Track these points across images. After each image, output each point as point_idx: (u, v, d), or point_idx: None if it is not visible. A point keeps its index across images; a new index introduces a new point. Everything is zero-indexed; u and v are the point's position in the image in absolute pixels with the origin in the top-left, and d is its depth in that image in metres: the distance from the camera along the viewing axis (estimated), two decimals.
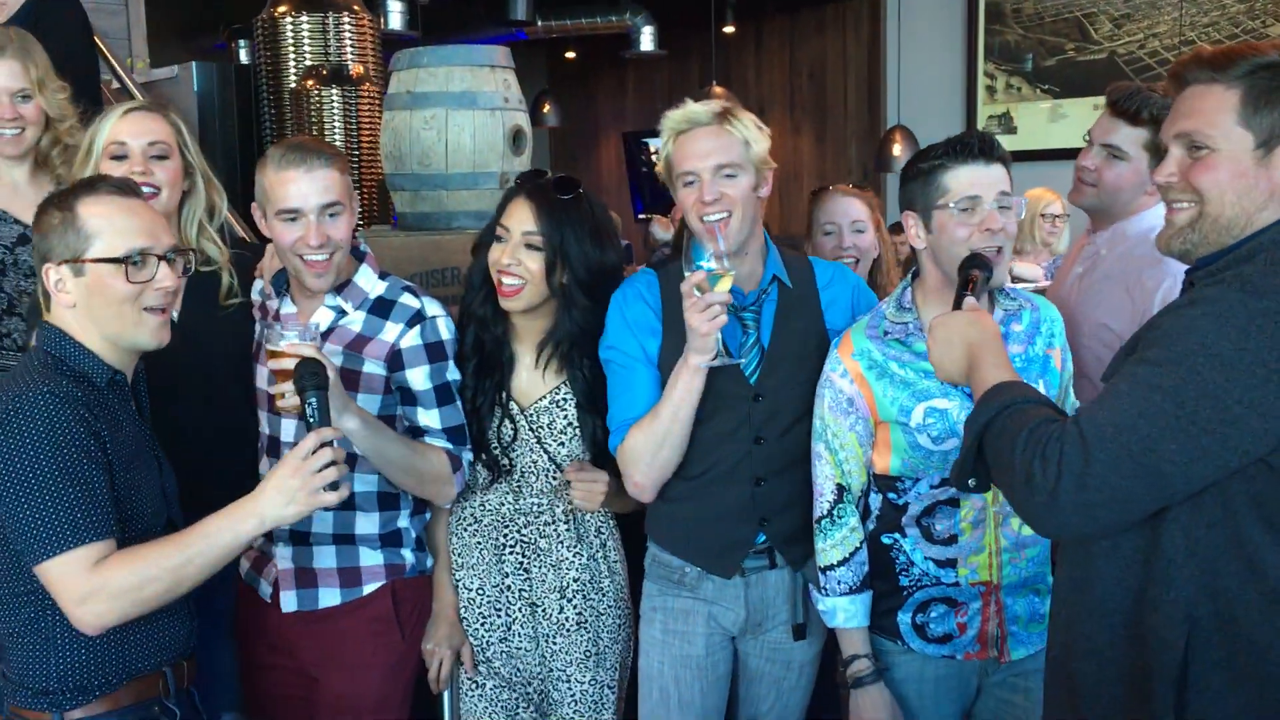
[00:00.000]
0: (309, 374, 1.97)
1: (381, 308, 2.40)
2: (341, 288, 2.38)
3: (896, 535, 2.25)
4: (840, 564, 2.26)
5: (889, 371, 2.21)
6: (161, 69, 4.24)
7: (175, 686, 2.04)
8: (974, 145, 2.14)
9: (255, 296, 2.55)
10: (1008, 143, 7.00)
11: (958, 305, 1.95)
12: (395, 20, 6.84)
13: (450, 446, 2.40)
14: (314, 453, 1.89)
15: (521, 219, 2.39)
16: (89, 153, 2.47)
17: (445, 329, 2.42)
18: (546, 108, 9.49)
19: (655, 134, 7.54)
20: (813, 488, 2.30)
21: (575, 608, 2.50)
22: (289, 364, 2.04)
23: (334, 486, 1.91)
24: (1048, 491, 1.53)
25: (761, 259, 2.36)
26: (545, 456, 2.47)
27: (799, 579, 2.41)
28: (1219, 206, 1.65)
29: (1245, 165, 1.63)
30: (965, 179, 2.13)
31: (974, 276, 2.02)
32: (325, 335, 2.35)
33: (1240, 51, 1.64)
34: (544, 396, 2.47)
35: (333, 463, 1.90)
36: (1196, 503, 1.56)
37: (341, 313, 2.38)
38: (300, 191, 2.28)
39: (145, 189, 2.35)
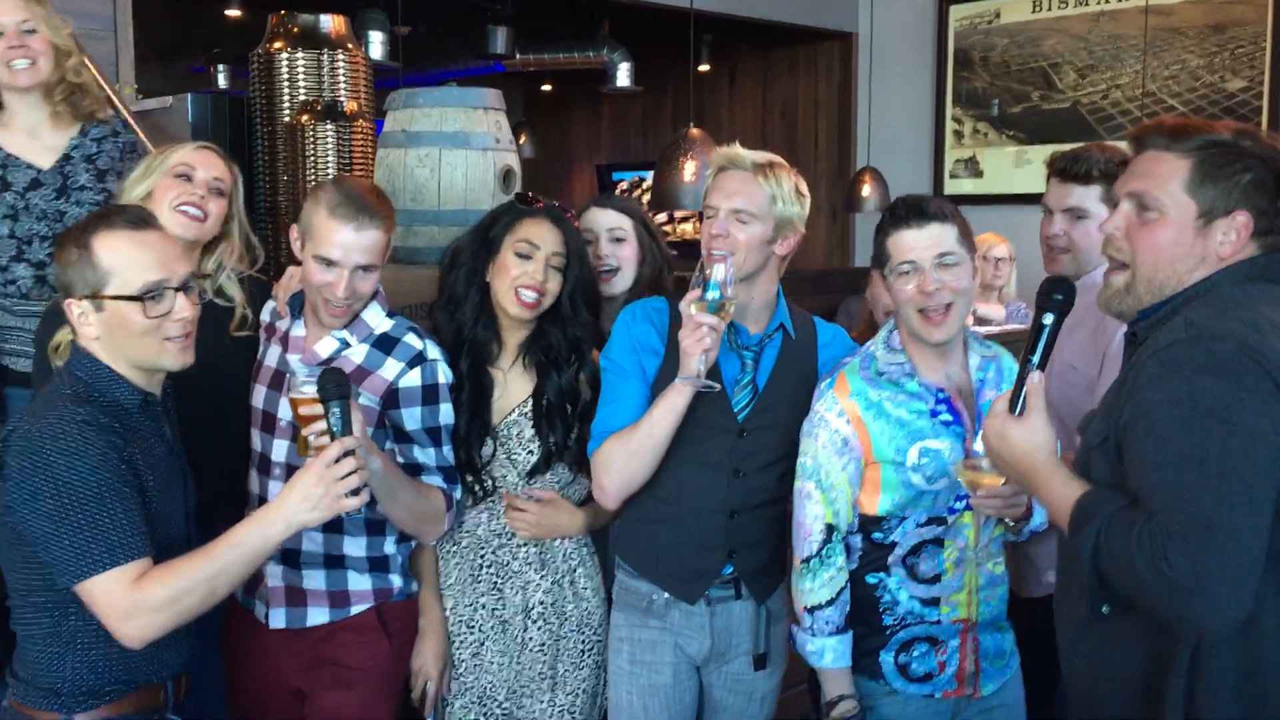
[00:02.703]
0: (333, 384, 2.04)
1: (384, 344, 2.47)
2: (349, 321, 2.46)
3: (882, 575, 2.30)
4: (828, 604, 2.29)
5: (885, 412, 2.26)
6: (153, 99, 4.30)
7: (175, 699, 2.13)
8: (902, 211, 2.23)
9: (264, 317, 2.62)
10: (974, 186, 7.12)
11: (1016, 399, 1.86)
12: (376, 51, 6.94)
13: (444, 485, 2.49)
14: (337, 461, 1.97)
15: (551, 241, 2.53)
16: (148, 172, 2.56)
17: (444, 373, 2.50)
18: (522, 139, 9.60)
19: (629, 168, 7.58)
20: (797, 528, 2.34)
21: (539, 629, 2.59)
22: (318, 409, 2.10)
23: (355, 492, 1.99)
24: (1192, 591, 1.56)
25: (770, 308, 2.46)
26: (513, 470, 2.57)
27: (762, 611, 2.49)
28: (1150, 269, 1.79)
29: (1186, 232, 1.77)
30: (903, 244, 2.22)
31: (1026, 377, 1.87)
32: (326, 364, 2.42)
33: (1197, 126, 1.78)
34: (513, 410, 2.58)
35: (355, 470, 1.98)
36: None
37: (345, 344, 2.46)
38: (344, 246, 2.35)
39: (194, 211, 2.50)
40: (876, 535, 2.30)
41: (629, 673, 2.50)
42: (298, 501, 1.97)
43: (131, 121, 4.17)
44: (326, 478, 1.97)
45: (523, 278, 2.50)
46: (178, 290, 2.03)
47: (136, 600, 1.91)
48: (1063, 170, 2.71)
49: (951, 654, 2.30)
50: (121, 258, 2.00)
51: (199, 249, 2.60)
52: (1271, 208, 1.77)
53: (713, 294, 2.21)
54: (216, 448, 2.44)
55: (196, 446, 2.26)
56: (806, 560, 2.31)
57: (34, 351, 2.70)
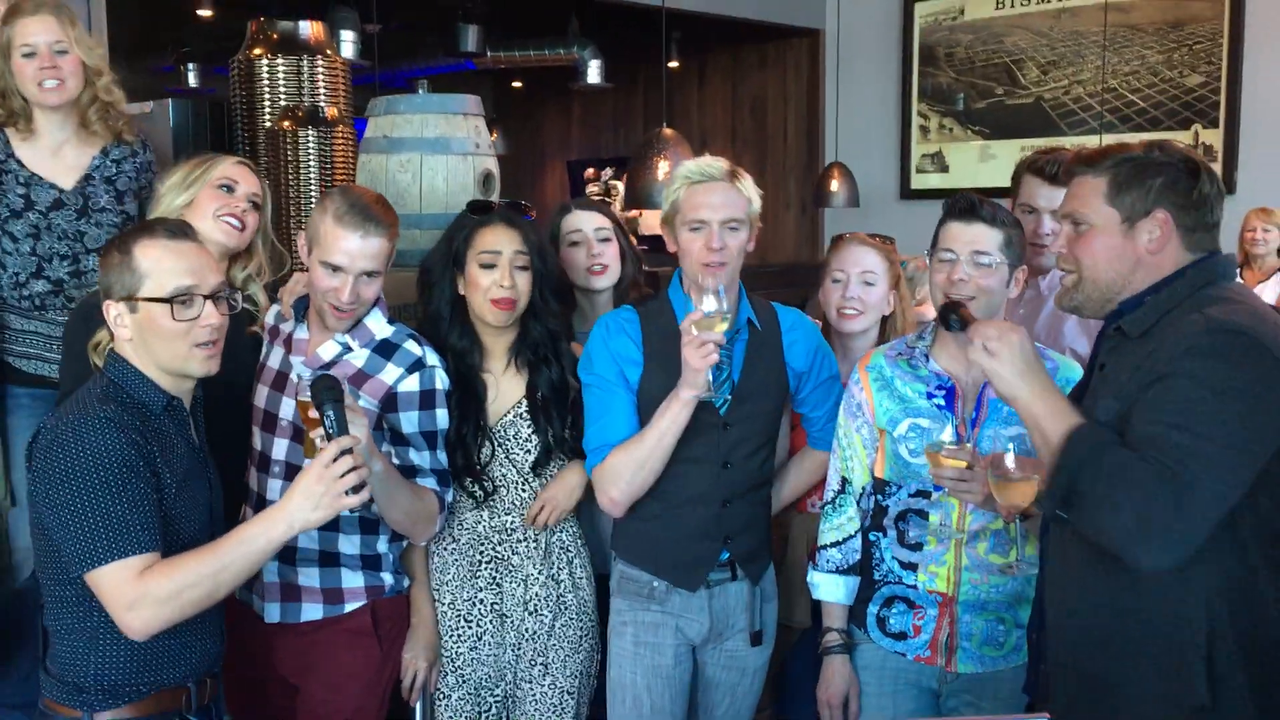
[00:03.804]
0: (326, 389, 2.11)
1: (385, 349, 2.54)
2: (352, 327, 2.53)
3: (878, 534, 2.50)
4: (833, 545, 2.54)
5: (891, 385, 2.47)
6: (134, 104, 4.33)
7: (198, 701, 2.18)
8: (956, 206, 2.41)
9: (268, 320, 2.70)
10: (940, 181, 7.30)
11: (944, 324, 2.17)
12: (347, 50, 6.96)
13: (437, 488, 2.56)
14: (335, 460, 2.03)
15: (510, 243, 2.60)
16: (189, 182, 2.66)
17: (441, 380, 2.57)
18: (494, 136, 9.60)
19: (599, 163, 7.61)
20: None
21: (539, 620, 2.67)
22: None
23: (356, 490, 2.05)
24: (1164, 528, 1.78)
25: (735, 304, 2.55)
26: (514, 470, 2.65)
27: (756, 591, 2.61)
28: (1094, 272, 2.02)
29: (1115, 238, 2.00)
30: (948, 234, 2.40)
31: (964, 313, 2.16)
32: (327, 367, 2.50)
33: (1110, 150, 2.03)
34: (509, 411, 2.65)
35: (353, 468, 2.04)
36: None
37: (347, 348, 2.53)
38: (350, 253, 2.42)
39: (235, 222, 2.62)
40: (879, 497, 2.50)
41: (633, 654, 2.60)
42: (300, 502, 2.04)
43: None
44: (326, 477, 2.03)
45: (493, 289, 2.58)
46: (207, 298, 2.11)
47: (140, 592, 1.98)
48: (1054, 176, 2.90)
49: (928, 621, 2.44)
50: (156, 263, 2.09)
51: (228, 259, 2.69)
52: (1189, 203, 1.98)
53: (711, 308, 2.31)
54: (236, 446, 2.53)
55: (217, 445, 2.33)
56: (824, 506, 2.58)
57: (62, 348, 2.79)
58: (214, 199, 2.64)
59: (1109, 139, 5.94)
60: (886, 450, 2.47)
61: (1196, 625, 1.88)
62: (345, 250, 2.42)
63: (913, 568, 2.45)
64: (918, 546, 2.44)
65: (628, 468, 2.46)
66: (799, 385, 2.65)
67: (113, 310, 2.11)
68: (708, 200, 2.47)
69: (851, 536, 2.53)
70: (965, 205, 2.39)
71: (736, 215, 2.48)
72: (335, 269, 2.44)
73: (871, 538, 2.52)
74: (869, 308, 2.85)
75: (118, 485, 1.99)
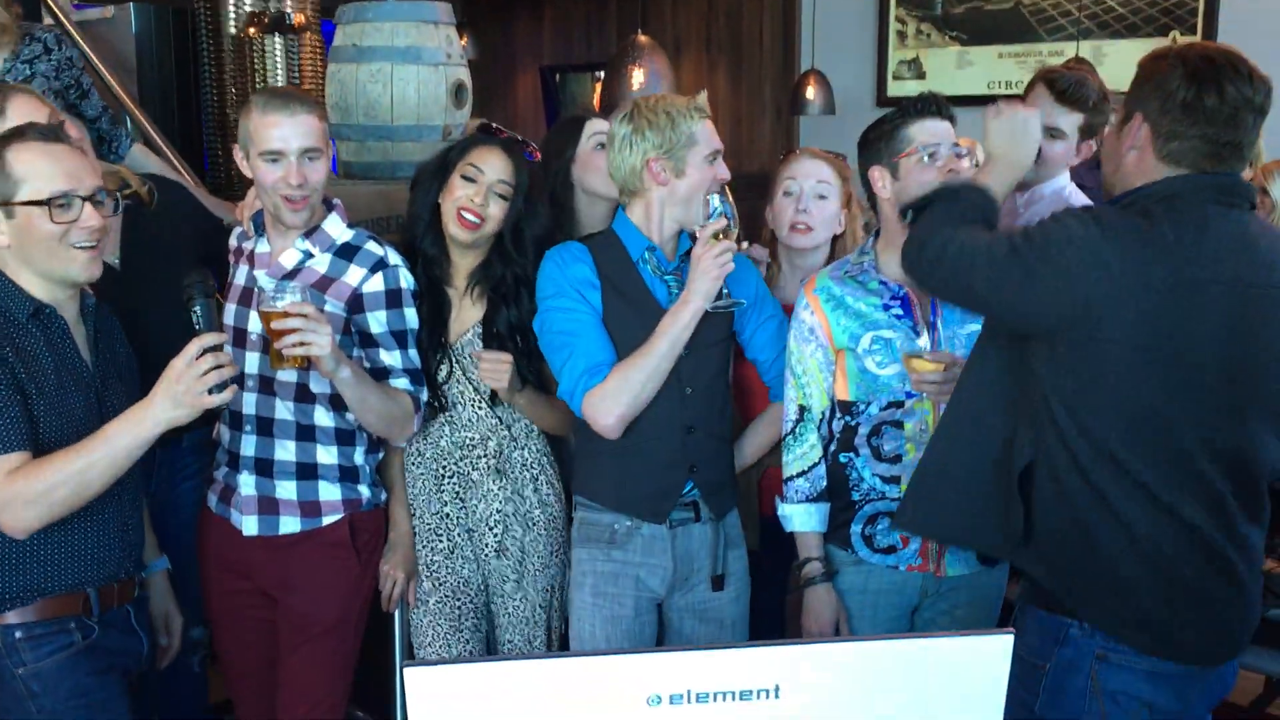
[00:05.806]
0: (197, 282, 2.12)
1: (346, 252, 2.55)
2: (310, 232, 2.53)
3: (850, 455, 2.50)
4: (799, 475, 2.54)
5: (844, 304, 2.47)
6: (93, 8, 4.22)
7: (101, 606, 2.20)
8: (930, 103, 2.42)
9: (232, 241, 2.69)
10: (917, 88, 7.27)
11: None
12: None
13: (410, 387, 2.58)
14: (198, 358, 2.01)
15: (498, 168, 2.60)
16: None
17: (405, 279, 2.58)
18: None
19: (573, 69, 7.53)
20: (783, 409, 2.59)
21: (508, 536, 2.70)
22: (292, 323, 2.20)
23: (223, 387, 2.03)
24: (918, 247, 2.08)
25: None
26: (470, 388, 2.67)
27: (720, 532, 2.59)
28: (1104, 169, 2.08)
29: (1113, 138, 2.03)
30: (927, 130, 2.40)
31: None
32: (291, 275, 2.50)
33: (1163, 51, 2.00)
34: (467, 330, 2.67)
35: (217, 366, 2.02)
36: (1023, 355, 2.02)
37: (309, 255, 2.53)
38: (283, 135, 2.41)
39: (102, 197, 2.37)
40: (847, 418, 2.50)
41: (592, 605, 2.57)
42: (162, 401, 2.02)
43: (72, 31, 4.11)
44: (187, 376, 2.00)
45: (464, 200, 2.58)
46: (85, 200, 2.10)
47: (10, 493, 1.99)
48: (1063, 91, 2.80)
49: None
50: (31, 167, 2.07)
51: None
52: (1165, 108, 1.92)
53: (723, 222, 2.36)
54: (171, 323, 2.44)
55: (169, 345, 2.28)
56: (784, 437, 2.57)
57: None
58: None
59: (1086, 46, 5.89)
60: (849, 369, 2.47)
61: (1028, 447, 1.99)
62: (279, 134, 2.42)
63: (895, 481, 2.47)
64: (896, 459, 2.46)
65: (637, 380, 2.40)
66: (743, 322, 2.63)
67: None
68: (713, 131, 2.50)
69: (816, 464, 2.53)
70: (937, 103, 2.42)
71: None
72: (275, 156, 2.43)
73: (843, 459, 2.51)
74: (821, 223, 2.83)
75: None
